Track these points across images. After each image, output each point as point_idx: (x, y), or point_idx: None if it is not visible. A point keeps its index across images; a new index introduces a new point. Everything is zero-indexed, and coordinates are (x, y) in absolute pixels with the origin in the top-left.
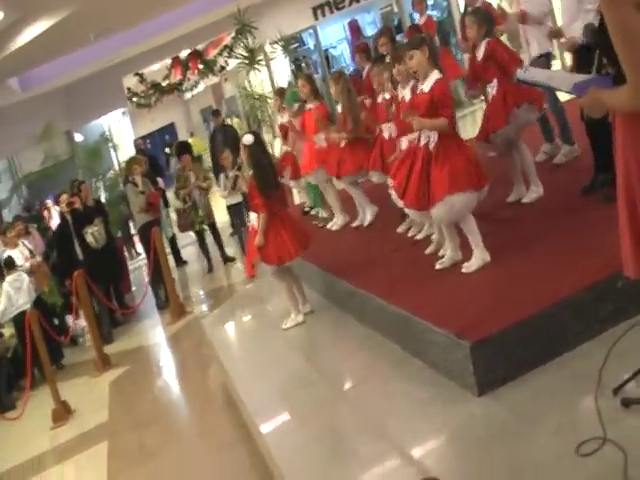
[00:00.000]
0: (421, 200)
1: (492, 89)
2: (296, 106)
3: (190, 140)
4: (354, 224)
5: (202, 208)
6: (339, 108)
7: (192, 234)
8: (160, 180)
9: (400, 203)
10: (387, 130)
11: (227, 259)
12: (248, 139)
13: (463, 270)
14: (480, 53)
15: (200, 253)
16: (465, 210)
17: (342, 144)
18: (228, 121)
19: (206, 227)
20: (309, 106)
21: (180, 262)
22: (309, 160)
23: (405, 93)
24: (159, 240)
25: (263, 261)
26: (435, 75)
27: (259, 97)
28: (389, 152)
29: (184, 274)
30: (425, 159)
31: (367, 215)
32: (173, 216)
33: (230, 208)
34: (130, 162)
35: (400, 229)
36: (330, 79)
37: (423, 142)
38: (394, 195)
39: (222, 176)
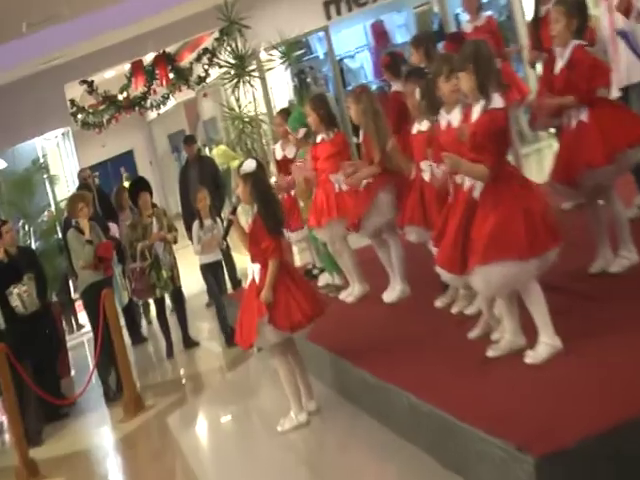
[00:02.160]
0: (454, 262)
1: (579, 113)
2: (302, 131)
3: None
4: (388, 299)
5: (166, 268)
6: (361, 136)
7: (151, 302)
8: (114, 226)
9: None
10: (428, 169)
11: (190, 343)
12: (249, 165)
13: (527, 360)
14: (563, 60)
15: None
16: (513, 283)
17: (363, 183)
18: (205, 151)
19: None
20: (321, 137)
21: (138, 339)
22: (321, 209)
23: (452, 119)
24: (111, 307)
25: (271, 323)
26: (491, 103)
27: (250, 120)
28: (432, 199)
29: (143, 355)
30: (467, 207)
31: (397, 289)
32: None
33: (206, 268)
34: (73, 200)
35: (439, 302)
36: (350, 97)
37: (467, 185)
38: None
39: (196, 224)
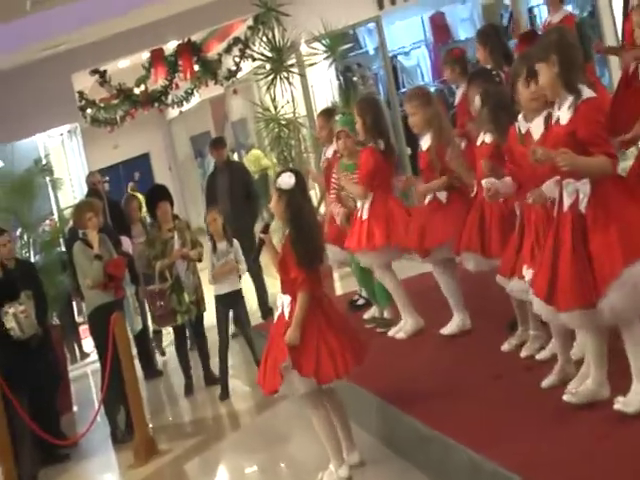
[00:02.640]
0: (587, 295)
1: None
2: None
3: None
4: (446, 331)
5: (189, 290)
6: (423, 144)
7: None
8: (126, 240)
9: (541, 310)
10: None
11: (212, 380)
12: (287, 181)
13: (617, 406)
14: None
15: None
16: None
17: (426, 199)
18: (234, 157)
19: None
20: (369, 145)
21: (152, 372)
22: (362, 229)
23: (533, 128)
24: (122, 334)
25: (296, 370)
26: (582, 94)
27: (287, 123)
28: (494, 223)
29: (158, 391)
30: (577, 230)
31: (456, 320)
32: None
33: (220, 300)
34: (81, 208)
35: (507, 345)
36: (414, 100)
37: (568, 203)
38: (518, 289)
39: (208, 249)
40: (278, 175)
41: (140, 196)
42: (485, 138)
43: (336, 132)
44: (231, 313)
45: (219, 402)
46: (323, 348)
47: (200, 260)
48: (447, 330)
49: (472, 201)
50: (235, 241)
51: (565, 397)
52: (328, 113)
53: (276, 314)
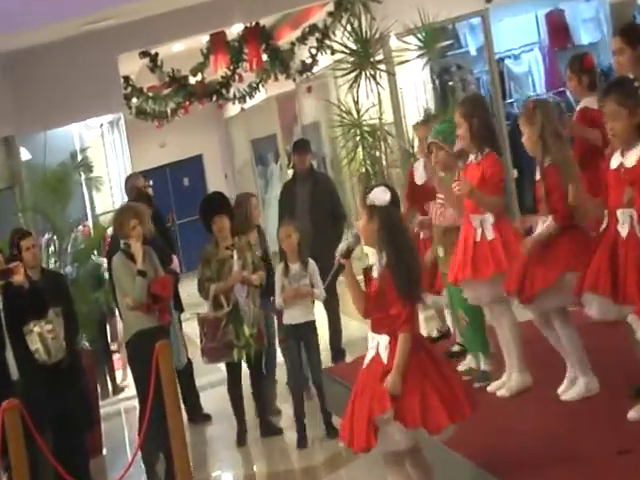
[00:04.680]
0: None
1: None
2: (458, 145)
3: None
4: (567, 396)
5: (249, 321)
6: (537, 172)
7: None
8: (175, 260)
9: None
10: (627, 220)
11: (270, 430)
12: (381, 197)
13: None
14: None
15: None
16: None
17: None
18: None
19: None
20: (471, 158)
21: (198, 415)
22: (466, 258)
23: None
24: (167, 367)
25: (400, 421)
26: None
27: (370, 131)
28: (630, 262)
29: (203, 438)
30: None
31: (580, 384)
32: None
33: (290, 331)
34: (124, 214)
35: (635, 413)
36: (524, 114)
37: None
38: None
39: (279, 269)
40: (369, 190)
41: None
42: (625, 160)
43: (427, 144)
44: None
45: (278, 455)
46: (430, 392)
47: (262, 286)
48: (568, 395)
49: (601, 235)
50: (311, 262)
51: None
52: (431, 122)
53: (368, 357)
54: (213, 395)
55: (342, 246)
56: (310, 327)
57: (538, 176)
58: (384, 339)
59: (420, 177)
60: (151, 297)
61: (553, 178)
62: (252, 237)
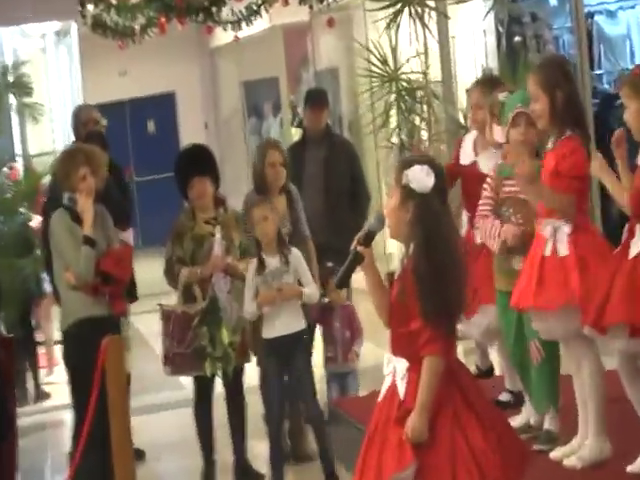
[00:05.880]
0: None
1: None
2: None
3: None
4: (636, 468)
5: (232, 324)
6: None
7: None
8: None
9: None
10: None
11: (248, 474)
12: (422, 180)
13: None
14: None
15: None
16: None
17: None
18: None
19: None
20: (551, 141)
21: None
22: (531, 278)
23: None
24: (117, 368)
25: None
26: None
27: (411, 89)
28: None
29: (156, 474)
30: None
31: None
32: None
33: (268, 348)
34: (71, 157)
35: None
36: (629, 84)
37: None
38: None
39: (252, 266)
40: (406, 165)
41: None
42: None
43: (514, 113)
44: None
45: None
46: (461, 445)
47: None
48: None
49: None
50: (295, 251)
51: None
52: (491, 85)
53: (384, 387)
54: (173, 419)
55: (362, 231)
56: (297, 340)
57: None
58: (402, 364)
59: (467, 155)
60: (101, 276)
61: None
62: (280, 205)
